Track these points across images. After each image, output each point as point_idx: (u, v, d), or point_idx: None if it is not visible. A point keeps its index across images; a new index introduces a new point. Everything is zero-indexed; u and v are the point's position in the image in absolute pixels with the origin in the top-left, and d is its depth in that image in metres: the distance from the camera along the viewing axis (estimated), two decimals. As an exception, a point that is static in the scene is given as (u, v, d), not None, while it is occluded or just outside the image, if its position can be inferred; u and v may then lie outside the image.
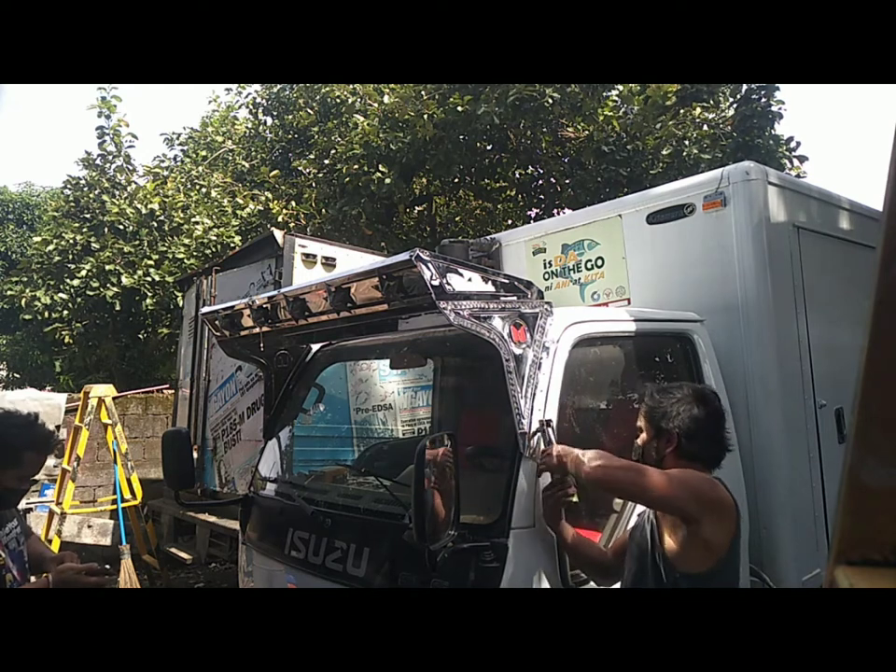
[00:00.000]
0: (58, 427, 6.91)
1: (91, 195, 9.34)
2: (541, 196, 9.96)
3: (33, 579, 2.31)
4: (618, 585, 1.96)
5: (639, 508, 2.06)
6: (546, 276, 3.54)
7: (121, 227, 9.27)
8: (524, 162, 9.44)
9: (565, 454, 1.92)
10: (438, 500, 1.81)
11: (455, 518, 1.83)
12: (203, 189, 10.29)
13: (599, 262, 3.32)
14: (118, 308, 9.06)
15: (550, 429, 1.99)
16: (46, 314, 8.97)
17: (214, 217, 9.70)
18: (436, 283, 1.86)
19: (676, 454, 1.90)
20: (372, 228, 9.06)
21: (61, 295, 8.95)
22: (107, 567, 2.20)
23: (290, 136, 10.98)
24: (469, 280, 2.03)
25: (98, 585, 2.12)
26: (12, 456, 2.07)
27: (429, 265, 1.87)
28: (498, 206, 10.90)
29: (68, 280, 8.91)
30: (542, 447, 1.98)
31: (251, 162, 11.34)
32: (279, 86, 11.10)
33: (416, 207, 10.65)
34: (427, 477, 1.74)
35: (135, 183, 9.85)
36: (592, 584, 2.07)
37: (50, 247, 9.06)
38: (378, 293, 2.06)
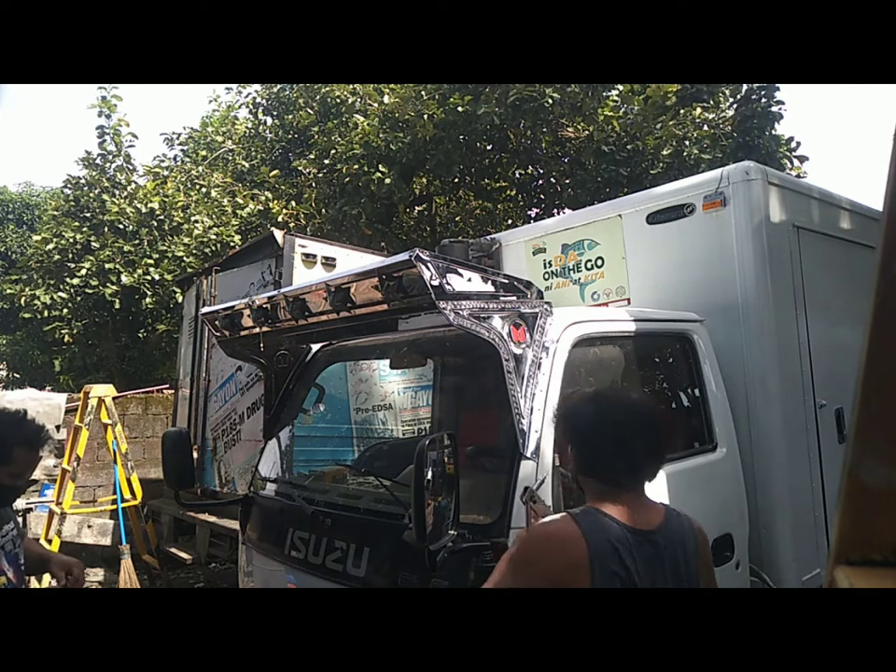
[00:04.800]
0: (58, 427, 6.91)
1: (91, 194, 9.34)
2: (541, 196, 9.97)
3: (34, 583, 2.31)
4: None
5: None
6: (546, 276, 3.54)
7: (121, 226, 9.28)
8: (524, 162, 9.44)
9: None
10: (438, 500, 1.81)
11: (455, 518, 1.83)
12: (203, 189, 10.29)
13: (599, 262, 3.32)
14: (117, 306, 9.06)
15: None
16: (45, 312, 8.98)
17: (214, 216, 9.71)
18: (436, 283, 1.87)
19: (579, 470, 1.65)
20: (372, 228, 9.06)
21: (60, 294, 8.96)
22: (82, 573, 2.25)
23: (290, 136, 10.98)
24: (469, 280, 2.03)
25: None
26: (2, 453, 2.08)
27: (429, 265, 1.87)
28: (498, 206, 10.90)
29: (68, 279, 8.92)
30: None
31: (251, 162, 11.33)
32: (279, 86, 11.10)
33: (416, 207, 10.65)
34: (426, 477, 1.74)
35: (135, 182, 9.85)
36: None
37: (50, 246, 9.07)
38: (378, 293, 2.06)
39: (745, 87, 7.50)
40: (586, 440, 1.60)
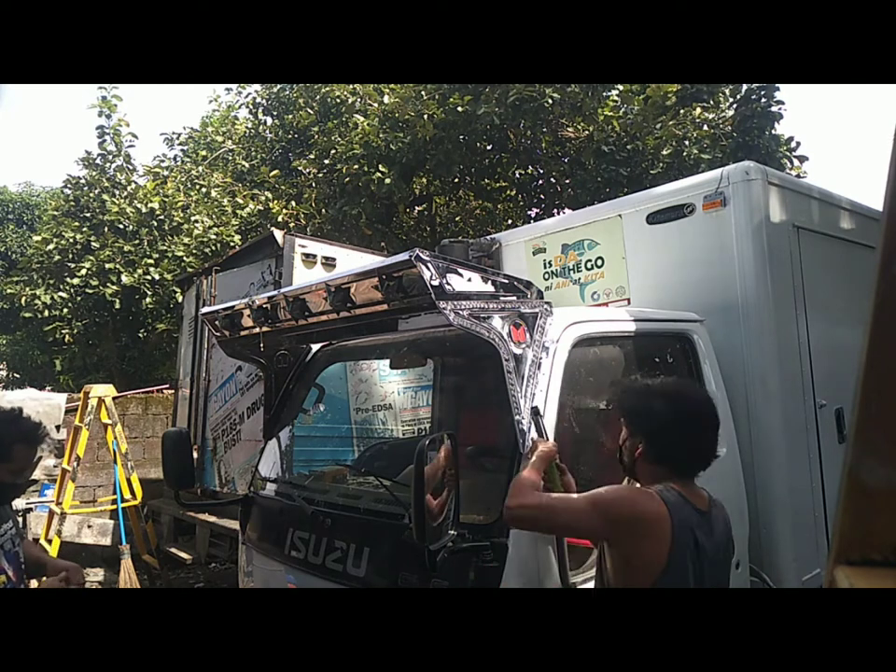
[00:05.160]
0: (58, 427, 6.92)
1: (91, 194, 9.34)
2: (541, 196, 9.97)
3: (34, 583, 2.31)
4: None
5: None
6: (546, 276, 3.54)
7: (121, 226, 9.28)
8: (524, 162, 9.44)
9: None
10: (438, 500, 1.81)
11: (455, 518, 1.83)
12: (203, 189, 10.30)
13: (599, 262, 3.32)
14: (117, 306, 9.07)
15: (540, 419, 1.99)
16: (45, 312, 8.99)
17: (214, 216, 9.71)
18: (436, 283, 1.86)
19: (644, 457, 1.79)
20: (372, 228, 9.06)
21: (61, 294, 8.96)
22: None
23: (290, 136, 10.99)
24: (469, 280, 2.03)
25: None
26: (1, 451, 2.09)
27: (429, 265, 1.87)
28: (498, 206, 10.91)
29: (68, 279, 8.92)
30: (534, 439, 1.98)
31: (251, 162, 11.33)
32: (279, 86, 11.10)
33: (416, 207, 10.65)
34: (427, 477, 1.74)
35: (135, 182, 9.86)
36: (591, 584, 2.07)
37: (50, 246, 9.07)
38: (378, 293, 2.06)
39: (745, 87, 7.51)
40: (663, 429, 1.74)
